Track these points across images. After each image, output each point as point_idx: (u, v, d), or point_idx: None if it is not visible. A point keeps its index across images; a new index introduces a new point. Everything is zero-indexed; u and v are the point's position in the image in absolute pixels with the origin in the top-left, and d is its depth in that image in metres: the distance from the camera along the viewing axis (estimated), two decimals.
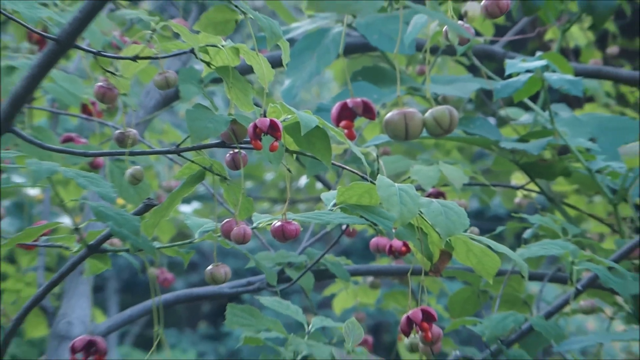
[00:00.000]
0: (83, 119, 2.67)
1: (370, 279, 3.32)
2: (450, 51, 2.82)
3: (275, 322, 1.91)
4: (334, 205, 1.81)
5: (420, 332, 1.87)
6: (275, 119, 1.76)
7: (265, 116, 1.78)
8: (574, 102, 3.83)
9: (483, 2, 2.26)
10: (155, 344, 2.08)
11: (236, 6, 2.21)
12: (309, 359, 1.90)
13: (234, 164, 2.05)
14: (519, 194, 3.31)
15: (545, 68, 2.35)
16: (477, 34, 2.94)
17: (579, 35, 3.60)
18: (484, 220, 9.83)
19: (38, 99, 2.62)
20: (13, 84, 2.35)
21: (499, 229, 2.86)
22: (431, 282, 2.88)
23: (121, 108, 2.63)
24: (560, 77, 2.37)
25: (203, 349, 15.38)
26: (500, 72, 2.69)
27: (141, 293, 13.18)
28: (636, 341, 2.94)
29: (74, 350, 2.06)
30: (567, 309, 2.35)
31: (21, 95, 2.03)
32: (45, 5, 2.31)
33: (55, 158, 2.13)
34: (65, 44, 1.99)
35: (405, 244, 2.03)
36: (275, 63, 2.14)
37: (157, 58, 2.23)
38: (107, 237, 2.12)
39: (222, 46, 1.98)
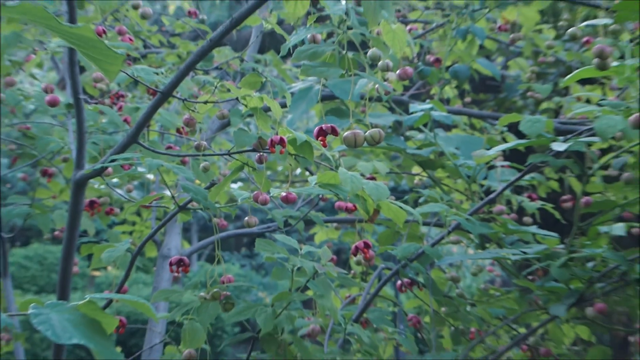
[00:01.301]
0: (177, 136, 2.66)
1: (335, 225, 3.32)
2: (379, 99, 2.82)
3: (282, 248, 1.90)
4: (315, 183, 1.82)
5: (362, 254, 1.87)
6: (283, 137, 1.77)
7: (277, 134, 1.78)
8: (446, 128, 3.84)
9: (397, 72, 2.24)
10: (216, 260, 2.08)
11: (261, 74, 2.20)
12: (302, 269, 1.90)
13: (260, 161, 2.05)
14: (417, 178, 3.30)
15: (431, 109, 2.34)
16: (394, 90, 2.94)
17: (449, 91, 3.59)
18: (397, 193, 9.91)
19: (152, 125, 2.61)
20: (137, 117, 2.34)
21: (405, 197, 2.86)
22: (368, 226, 2.88)
23: (198, 130, 2.61)
24: (439, 114, 2.36)
25: (243, 262, 15.64)
26: (406, 111, 2.69)
27: (210, 232, 13.25)
28: (481, 259, 2.93)
29: (171, 264, 2.05)
30: (443, 241, 2.35)
31: (142, 123, 2.03)
32: (157, 73, 2.30)
33: (162, 158, 2.12)
34: (167, 94, 1.99)
35: (354, 205, 2.02)
36: (283, 106, 2.14)
37: (217, 102, 2.22)
38: (190, 201, 2.11)
39: (253, 96, 1.97)
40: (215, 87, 2.42)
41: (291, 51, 2.00)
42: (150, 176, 3.16)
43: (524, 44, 3.40)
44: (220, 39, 2.02)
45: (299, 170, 4.53)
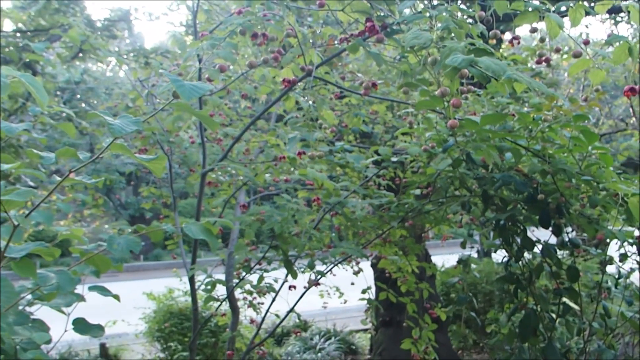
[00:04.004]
0: (243, 155, 2.60)
1: (306, 190, 3.22)
2: (322, 141, 2.77)
3: (284, 199, 1.88)
4: (297, 174, 1.79)
5: (316, 201, 1.84)
6: (285, 155, 1.74)
7: (282, 155, 1.75)
8: (349, 152, 3.79)
9: (329, 130, 2.21)
10: (258, 204, 2.05)
11: (276, 131, 2.17)
12: (293, 208, 1.87)
13: (275, 164, 2.02)
14: (339, 172, 3.24)
15: (343, 144, 2.29)
16: (329, 137, 2.92)
17: (351, 137, 3.53)
18: (330, 178, 9.63)
19: (233, 151, 2.53)
20: (227, 147, 2.29)
21: (334, 179, 2.79)
22: (319, 191, 2.84)
23: (252, 154, 2.55)
24: (347, 146, 2.32)
25: (271, 205, 15.18)
26: (333, 145, 2.65)
27: (256, 193, 12.97)
28: (364, 204, 2.88)
29: (240, 206, 2.01)
30: (349, 197, 2.30)
31: (228, 150, 1.98)
32: (235, 130, 2.24)
33: (237, 164, 2.08)
34: (238, 139, 1.94)
35: (313, 182, 2.00)
36: (285, 144, 2.10)
37: (259, 142, 2.18)
38: (248, 180, 2.07)
39: (273, 139, 1.94)
40: (258, 136, 2.38)
41: (288, 121, 1.98)
42: (233, 171, 3.11)
43: (380, 119, 3.41)
44: (259, 117, 1.99)
45: (292, 169, 4.48)
